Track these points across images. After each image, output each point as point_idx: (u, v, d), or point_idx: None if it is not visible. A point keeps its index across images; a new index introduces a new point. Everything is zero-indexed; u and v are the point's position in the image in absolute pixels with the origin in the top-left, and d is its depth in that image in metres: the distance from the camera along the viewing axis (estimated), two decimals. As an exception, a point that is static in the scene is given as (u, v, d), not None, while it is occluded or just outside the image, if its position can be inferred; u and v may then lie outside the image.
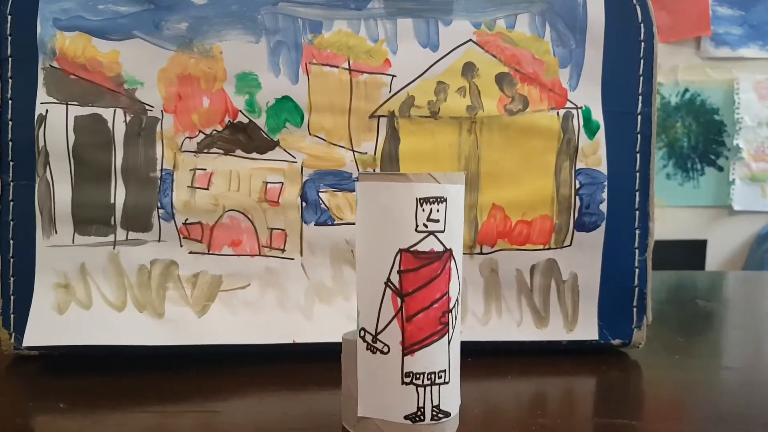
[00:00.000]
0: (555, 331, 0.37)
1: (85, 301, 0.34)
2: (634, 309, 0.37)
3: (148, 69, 0.34)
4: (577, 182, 0.36)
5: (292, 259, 0.35)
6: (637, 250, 0.37)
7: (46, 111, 0.34)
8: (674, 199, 1.52)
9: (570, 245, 0.36)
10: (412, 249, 0.24)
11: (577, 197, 0.36)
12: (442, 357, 0.25)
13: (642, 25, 0.36)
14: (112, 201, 0.35)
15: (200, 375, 0.33)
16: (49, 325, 0.34)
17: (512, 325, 0.37)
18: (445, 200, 0.25)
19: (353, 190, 0.35)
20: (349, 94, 0.35)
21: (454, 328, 0.26)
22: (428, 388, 0.25)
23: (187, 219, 0.35)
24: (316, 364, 0.32)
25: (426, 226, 0.24)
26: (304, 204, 0.35)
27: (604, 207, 0.36)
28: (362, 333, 0.25)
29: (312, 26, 0.35)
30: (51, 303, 0.34)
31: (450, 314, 0.25)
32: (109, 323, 0.34)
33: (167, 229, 0.35)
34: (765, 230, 1.55)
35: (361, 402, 0.26)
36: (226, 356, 0.34)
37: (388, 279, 0.25)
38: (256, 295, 0.35)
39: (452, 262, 0.25)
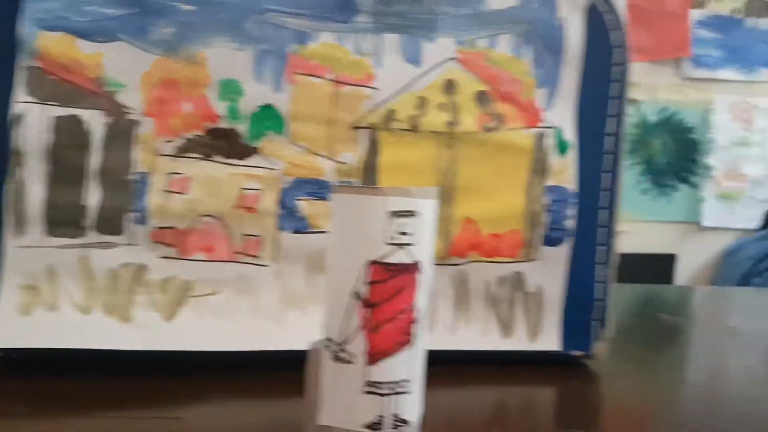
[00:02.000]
0: (519, 341, 0.38)
1: (51, 303, 0.34)
2: (596, 322, 0.38)
3: (131, 72, 0.34)
4: (547, 199, 0.37)
5: (267, 265, 0.36)
6: (600, 266, 0.38)
7: (24, 110, 0.34)
8: (647, 214, 1.56)
9: (537, 259, 0.37)
10: (381, 261, 0.25)
11: (546, 213, 0.37)
12: (406, 367, 0.26)
13: (617, 49, 0.37)
14: (84, 203, 0.34)
15: (166, 381, 0.33)
16: (12, 327, 0.33)
17: (479, 335, 0.38)
18: (417, 214, 0.25)
19: (331, 200, 0.36)
20: (332, 105, 0.35)
21: (419, 340, 0.26)
22: (390, 398, 0.25)
23: (160, 223, 0.35)
24: (287, 372, 0.32)
25: (396, 239, 0.25)
26: (281, 211, 0.36)
27: (570, 223, 0.37)
28: (328, 342, 0.26)
29: (298, 37, 0.35)
30: (16, 304, 0.33)
31: (416, 326, 0.26)
32: (76, 326, 0.33)
33: (140, 232, 0.35)
34: (733, 246, 1.60)
35: (323, 410, 0.26)
36: (194, 362, 0.34)
37: (356, 290, 0.25)
38: (227, 302, 0.35)
39: (421, 274, 0.26)
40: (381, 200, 0.25)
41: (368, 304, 0.25)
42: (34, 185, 0.34)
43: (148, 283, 0.35)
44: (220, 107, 0.35)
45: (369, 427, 0.25)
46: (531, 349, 0.38)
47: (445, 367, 0.35)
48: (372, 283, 0.25)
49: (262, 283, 0.36)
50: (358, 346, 0.25)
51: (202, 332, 0.34)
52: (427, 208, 0.26)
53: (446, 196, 0.37)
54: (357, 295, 0.25)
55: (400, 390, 0.26)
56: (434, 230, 0.27)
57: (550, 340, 0.38)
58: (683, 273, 1.62)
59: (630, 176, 1.55)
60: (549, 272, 0.38)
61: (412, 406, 0.26)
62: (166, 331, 0.34)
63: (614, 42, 0.37)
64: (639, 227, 1.55)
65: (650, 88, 1.51)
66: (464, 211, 0.37)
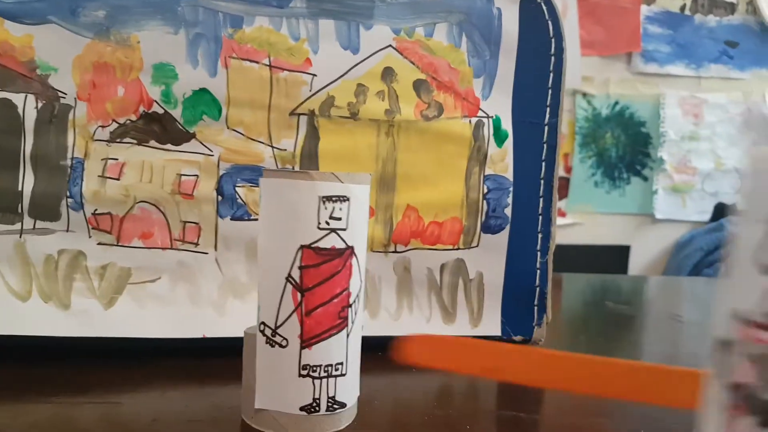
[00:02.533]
0: (461, 327, 0.38)
1: (-14, 290, 0.33)
2: (535, 307, 0.39)
3: (63, 55, 0.34)
4: (486, 187, 0.38)
5: (206, 253, 0.35)
6: (539, 252, 0.39)
7: None
8: (601, 206, 1.59)
9: (477, 246, 0.38)
10: (313, 245, 0.25)
11: (485, 201, 0.38)
12: (340, 350, 0.26)
13: (553, 39, 0.38)
14: (20, 188, 0.34)
15: (105, 367, 0.33)
16: None
17: (422, 321, 0.38)
18: (348, 199, 0.26)
19: (270, 186, 0.36)
20: (269, 90, 0.35)
21: (353, 323, 0.27)
22: (324, 380, 0.26)
23: (96, 209, 0.34)
24: (226, 359, 0.32)
25: (328, 223, 0.25)
26: (220, 198, 0.35)
27: (509, 211, 0.38)
28: (262, 327, 0.26)
29: (233, 20, 0.35)
30: None
31: (349, 309, 0.26)
32: (13, 313, 0.33)
33: (76, 218, 0.34)
34: (684, 238, 1.65)
35: (259, 394, 0.26)
36: (133, 349, 0.34)
37: (289, 274, 0.25)
38: (167, 289, 0.35)
39: (354, 259, 0.26)
40: (313, 185, 0.25)
41: (301, 288, 0.25)
42: None
43: (86, 270, 0.34)
44: (154, 91, 0.34)
45: (304, 409, 0.26)
46: (473, 335, 0.38)
47: (387, 353, 0.36)
48: (304, 267, 0.25)
49: (202, 271, 0.35)
50: (292, 330, 0.25)
51: (141, 319, 0.34)
52: (359, 193, 0.26)
53: (387, 184, 0.37)
54: (290, 280, 0.25)
55: (335, 373, 0.26)
56: (367, 215, 0.27)
57: (491, 325, 0.39)
58: (637, 264, 1.66)
59: (583, 169, 1.58)
60: (489, 259, 0.38)
61: (348, 389, 0.27)
62: (105, 319, 0.34)
63: (550, 32, 0.38)
64: (594, 219, 1.59)
65: (602, 83, 1.55)
66: (405, 198, 0.37)
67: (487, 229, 0.38)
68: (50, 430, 0.26)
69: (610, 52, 1.51)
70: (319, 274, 0.25)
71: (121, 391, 0.30)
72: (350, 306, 0.26)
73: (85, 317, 0.34)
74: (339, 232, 0.25)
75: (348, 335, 0.26)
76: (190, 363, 0.34)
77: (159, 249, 0.35)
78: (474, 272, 0.38)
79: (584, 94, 1.50)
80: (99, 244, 0.34)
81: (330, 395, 0.26)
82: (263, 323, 0.26)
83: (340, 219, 0.25)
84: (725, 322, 0.15)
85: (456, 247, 0.38)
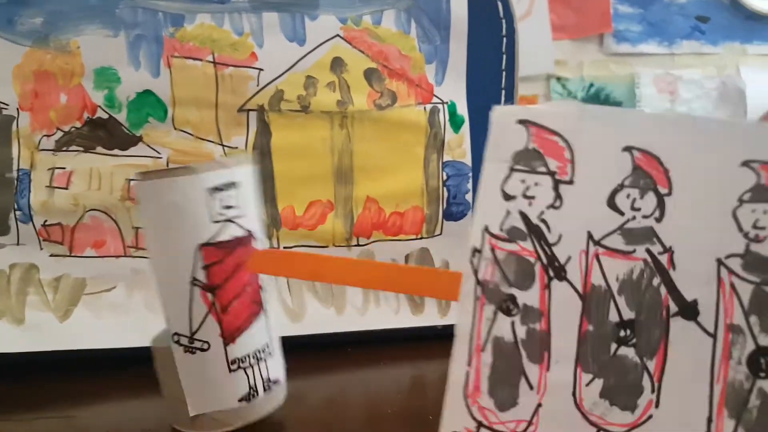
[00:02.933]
0: (430, 317, 0.38)
1: (-63, 309, 0.32)
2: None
3: (2, 66, 0.33)
4: (445, 174, 0.37)
5: (162, 257, 0.35)
6: (502, 238, 0.38)
7: None
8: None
9: (440, 234, 0.38)
10: (212, 242, 0.24)
11: (445, 188, 0.37)
12: (263, 333, 0.25)
13: (504, 20, 0.38)
14: None
15: (62, 381, 0.32)
16: None
17: (390, 314, 0.38)
18: (237, 184, 0.24)
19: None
20: (214, 88, 0.34)
21: (267, 301, 0.26)
22: (256, 367, 0.25)
23: (46, 220, 0.33)
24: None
25: (222, 214, 0.24)
26: (172, 201, 0.35)
27: (470, 197, 0.37)
28: (176, 338, 0.25)
29: (173, 19, 0.34)
30: None
31: (262, 291, 0.25)
32: None
33: (26, 231, 0.33)
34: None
35: (191, 401, 0.25)
36: (91, 361, 0.33)
37: (193, 277, 0.24)
38: (123, 298, 0.34)
39: (255, 241, 0.25)
40: (196, 178, 0.23)
41: (210, 287, 0.24)
42: None
43: (39, 283, 0.33)
44: (97, 97, 0.33)
45: (243, 399, 0.25)
46: (442, 324, 0.38)
47: (358, 348, 0.35)
48: (209, 266, 0.24)
49: (159, 277, 0.35)
50: (211, 331, 0.24)
51: (98, 330, 0.33)
52: (245, 175, 0.24)
53: (345, 176, 0.36)
54: (196, 282, 0.24)
55: (263, 356, 0.25)
56: (256, 194, 0.25)
57: None
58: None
59: (564, 153, 1.59)
60: (453, 246, 0.38)
61: (276, 365, 0.26)
62: (61, 331, 0.33)
63: (500, 13, 0.37)
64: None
65: (576, 66, 1.54)
66: (364, 190, 0.37)
67: (450, 216, 0.38)
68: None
69: (581, 34, 1.51)
70: (225, 269, 0.24)
71: (77, 405, 0.29)
72: (262, 288, 0.25)
73: (40, 331, 0.33)
74: (236, 219, 0.24)
75: (266, 315, 0.25)
76: (149, 372, 0.33)
77: (113, 257, 0.34)
78: (439, 260, 0.38)
79: (558, 78, 1.50)
80: (51, 255, 0.34)
81: (264, 377, 0.25)
82: (176, 333, 0.25)
83: (233, 207, 0.24)
84: (478, 235, 0.21)
85: (419, 236, 0.38)
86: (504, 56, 0.38)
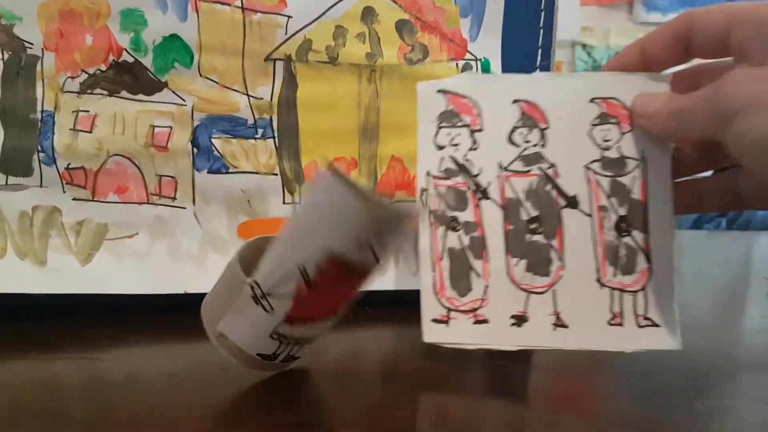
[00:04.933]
0: None
1: (-38, 247, 0.32)
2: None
3: (27, 4, 0.32)
4: (474, 134, 0.36)
5: (184, 207, 0.34)
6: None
7: None
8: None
9: (466, 196, 0.37)
10: (340, 257, 0.23)
11: (473, 149, 0.36)
12: (319, 331, 0.26)
13: (544, -24, 0.36)
14: None
15: (83, 324, 0.32)
16: None
17: (409, 275, 0.37)
18: (395, 231, 0.24)
19: (248, 137, 0.34)
20: (242, 35, 0.33)
21: (339, 316, 0.26)
22: (291, 346, 0.25)
23: (69, 163, 0.33)
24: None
25: (371, 246, 0.23)
26: (195, 150, 0.34)
27: (498, 159, 0.37)
28: (253, 284, 0.24)
29: (202, -39, 0.33)
30: None
31: (342, 309, 0.26)
32: None
33: (49, 174, 0.33)
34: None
35: (224, 322, 0.25)
36: (112, 306, 0.33)
37: (304, 265, 0.23)
38: (145, 245, 0.34)
39: (373, 273, 0.25)
40: (367, 207, 0.22)
41: (309, 283, 0.24)
42: None
43: (61, 226, 0.33)
44: (123, 39, 0.33)
45: (261, 356, 0.25)
46: None
47: (375, 308, 0.35)
48: (321, 269, 0.23)
49: (181, 226, 0.34)
50: (282, 305, 0.24)
51: (119, 276, 0.33)
52: (400, 228, 0.24)
53: (370, 134, 0.36)
54: (301, 270, 0.24)
55: (303, 342, 0.26)
56: (401, 248, 0.26)
57: None
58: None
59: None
60: None
61: (305, 349, 0.26)
62: (83, 275, 0.33)
63: (540, -32, 0.36)
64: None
65: (602, 33, 1.50)
66: (390, 149, 0.36)
67: (475, 177, 0.37)
68: (26, 386, 0.25)
69: (610, 1, 1.47)
70: (331, 282, 0.24)
71: (100, 348, 0.30)
72: (344, 308, 0.26)
73: (61, 274, 0.33)
74: (375, 251, 0.23)
75: (331, 322, 0.26)
76: (172, 319, 0.33)
77: (135, 204, 0.34)
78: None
79: (584, 46, 1.46)
80: (74, 199, 0.33)
81: (290, 354, 0.26)
82: (256, 282, 0.24)
83: (382, 246, 0.24)
84: (423, 178, 0.28)
85: (443, 197, 0.37)
86: (542, 13, 0.36)
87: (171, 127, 0.34)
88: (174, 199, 0.34)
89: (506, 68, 0.36)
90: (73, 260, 0.33)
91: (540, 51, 0.37)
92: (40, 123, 0.33)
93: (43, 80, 0.33)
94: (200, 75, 0.33)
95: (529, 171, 0.27)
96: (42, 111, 0.33)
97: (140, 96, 0.33)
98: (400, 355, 0.32)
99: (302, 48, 0.34)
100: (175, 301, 0.34)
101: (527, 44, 0.37)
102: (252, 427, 0.23)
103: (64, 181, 0.33)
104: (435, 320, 0.28)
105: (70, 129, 0.33)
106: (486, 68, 0.36)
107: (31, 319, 0.32)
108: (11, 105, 0.32)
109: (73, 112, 0.33)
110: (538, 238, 0.27)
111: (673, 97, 0.25)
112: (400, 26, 0.35)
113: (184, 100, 0.34)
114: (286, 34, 0.34)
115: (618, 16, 1.50)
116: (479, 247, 0.28)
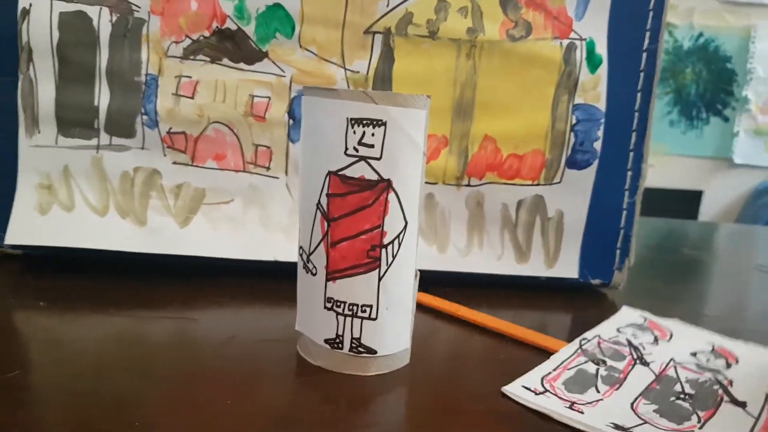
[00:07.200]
0: (535, 267, 0.37)
1: (67, 203, 0.34)
2: (618, 251, 0.37)
3: None
4: (574, 117, 0.35)
5: (277, 177, 0.35)
6: (627, 192, 0.36)
7: (30, 5, 0.32)
8: (675, 147, 1.50)
9: (559, 182, 0.36)
10: (339, 173, 0.23)
11: (572, 133, 0.35)
12: (368, 292, 0.24)
13: (660, -47, 0.34)
14: (96, 103, 0.34)
15: (179, 285, 0.33)
16: (31, 225, 0.33)
17: (493, 259, 0.37)
18: (384, 124, 0.22)
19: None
20: (344, 6, 0.33)
21: (389, 266, 0.24)
22: (348, 319, 0.24)
23: (171, 128, 0.34)
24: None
25: (357, 150, 0.22)
26: (291, 122, 0.34)
27: (598, 145, 0.35)
28: (300, 251, 0.25)
29: (309, -71, 0.32)
30: (33, 203, 0.34)
31: (383, 250, 0.23)
32: (91, 227, 0.34)
33: (151, 136, 0.34)
34: (763, 185, 1.55)
35: (298, 317, 0.26)
36: (205, 269, 0.34)
37: (319, 201, 0.23)
38: (239, 212, 0.35)
39: (391, 194, 0.23)
40: (340, 104, 0.22)
41: (328, 217, 0.23)
42: (44, 84, 0.33)
43: (161, 189, 0.34)
44: (227, 6, 0.33)
45: (328, 342, 0.25)
46: (547, 275, 0.37)
47: (457, 288, 0.35)
48: (331, 195, 0.23)
49: (273, 196, 0.35)
50: (320, 259, 0.24)
51: (215, 240, 0.34)
52: (400, 116, 0.22)
53: (464, 111, 0.35)
54: (319, 207, 0.23)
55: (360, 314, 0.24)
56: (419, 145, 0.23)
57: (568, 267, 0.37)
58: (708, 210, 1.58)
59: (659, 106, 1.48)
60: (572, 197, 0.36)
61: (379, 336, 0.24)
62: (181, 237, 0.34)
63: (658, -56, 0.34)
64: (665, 161, 1.50)
65: (686, 12, 1.41)
66: (483, 128, 0.35)
67: (573, 164, 0.36)
68: (126, 342, 0.27)
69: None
70: (345, 205, 0.23)
71: (195, 309, 0.31)
72: (384, 247, 0.23)
73: (160, 234, 0.34)
74: (370, 160, 0.22)
75: (380, 278, 0.24)
76: (262, 284, 0.34)
77: (232, 171, 0.35)
78: (553, 210, 0.36)
79: (665, 24, 1.38)
80: (174, 163, 0.34)
81: (354, 336, 0.24)
82: (301, 247, 0.25)
83: (372, 146, 0.22)
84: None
85: (536, 182, 0.36)
86: (655, -7, 0.34)
87: (269, 98, 0.34)
88: (268, 168, 0.35)
89: (612, 50, 0.35)
90: (171, 222, 0.34)
91: (648, 34, 0.35)
92: (144, 86, 0.34)
93: (148, 44, 0.33)
94: (300, 46, 0.33)
95: (702, 374, 0.27)
96: (146, 74, 0.34)
97: (241, 65, 0.33)
98: (472, 344, 0.31)
99: (403, 21, 0.33)
100: (264, 267, 0.34)
101: (635, 26, 0.35)
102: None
103: (165, 145, 0.34)
104: (525, 387, 0.25)
105: (173, 94, 0.34)
106: (591, 48, 0.35)
107: (129, 277, 0.34)
108: (117, 67, 0.33)
109: (176, 77, 0.34)
110: (684, 404, 0.25)
111: None
112: (505, 1, 0.34)
113: (283, 71, 0.34)
114: (387, 6, 0.33)
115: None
116: (613, 381, 0.26)
